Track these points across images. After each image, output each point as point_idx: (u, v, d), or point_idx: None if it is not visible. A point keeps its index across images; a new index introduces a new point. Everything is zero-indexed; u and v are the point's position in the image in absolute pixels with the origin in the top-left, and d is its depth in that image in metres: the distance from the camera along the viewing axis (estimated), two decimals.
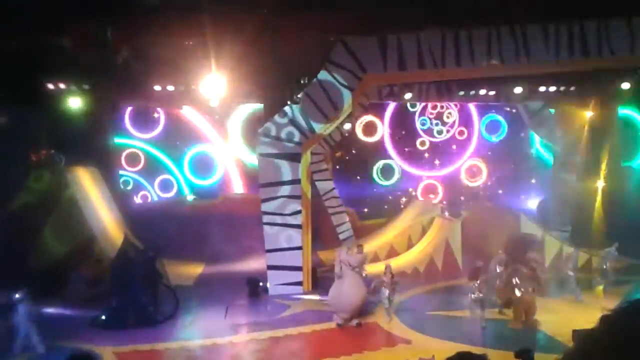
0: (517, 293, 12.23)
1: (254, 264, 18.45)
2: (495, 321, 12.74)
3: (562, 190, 23.18)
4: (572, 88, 20.98)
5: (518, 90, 20.47)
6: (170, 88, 19.85)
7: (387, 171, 27.51)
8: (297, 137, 16.32)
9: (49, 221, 16.98)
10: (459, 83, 21.60)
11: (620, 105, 21.98)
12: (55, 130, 19.24)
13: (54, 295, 14.40)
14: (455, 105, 26.90)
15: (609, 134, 21.84)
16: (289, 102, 16.51)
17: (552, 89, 21.17)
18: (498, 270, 12.94)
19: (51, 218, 17.11)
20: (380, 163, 27.42)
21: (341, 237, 23.74)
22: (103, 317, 13.17)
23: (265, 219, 16.40)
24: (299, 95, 16.47)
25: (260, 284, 16.16)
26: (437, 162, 27.69)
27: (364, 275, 12.98)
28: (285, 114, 16.39)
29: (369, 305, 13.60)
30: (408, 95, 22.12)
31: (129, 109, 25.14)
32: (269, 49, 16.88)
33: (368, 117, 26.49)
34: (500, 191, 27.63)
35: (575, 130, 22.82)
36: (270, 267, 16.36)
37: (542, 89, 21.29)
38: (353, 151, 27.21)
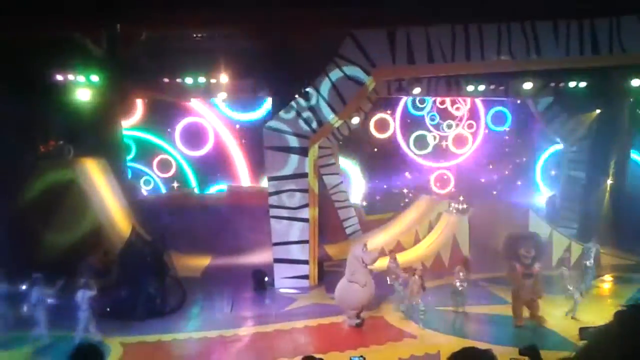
0: (518, 291, 12.21)
1: (260, 257, 18.49)
2: (500, 317, 12.73)
3: (571, 187, 23.07)
4: (583, 84, 20.83)
5: (528, 85, 20.34)
6: (179, 80, 19.92)
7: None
8: (304, 130, 16.32)
9: (57, 212, 17.08)
10: (468, 77, 21.48)
11: (630, 102, 21.82)
12: (63, 121, 19.33)
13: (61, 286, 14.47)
14: (464, 100, 26.75)
15: (619, 131, 21.69)
16: (297, 96, 16.50)
17: (562, 84, 21.05)
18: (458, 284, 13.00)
19: (59, 209, 17.20)
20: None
21: (348, 231, 23.74)
22: (108, 310, 13.18)
23: (273, 212, 16.44)
24: (307, 89, 16.45)
25: (266, 278, 16.19)
26: (444, 145, 27.46)
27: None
28: (293, 108, 16.39)
29: (376, 300, 13.57)
30: (417, 90, 22.03)
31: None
32: (278, 43, 16.88)
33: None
34: (514, 183, 27.28)
35: (585, 126, 22.68)
36: (276, 260, 16.42)
37: (552, 84, 21.17)
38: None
